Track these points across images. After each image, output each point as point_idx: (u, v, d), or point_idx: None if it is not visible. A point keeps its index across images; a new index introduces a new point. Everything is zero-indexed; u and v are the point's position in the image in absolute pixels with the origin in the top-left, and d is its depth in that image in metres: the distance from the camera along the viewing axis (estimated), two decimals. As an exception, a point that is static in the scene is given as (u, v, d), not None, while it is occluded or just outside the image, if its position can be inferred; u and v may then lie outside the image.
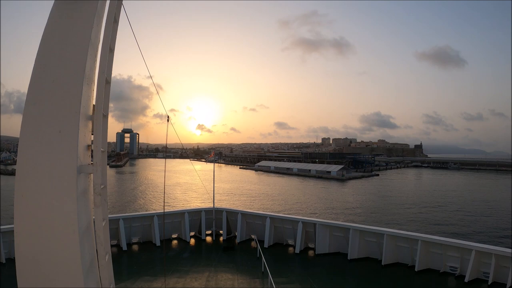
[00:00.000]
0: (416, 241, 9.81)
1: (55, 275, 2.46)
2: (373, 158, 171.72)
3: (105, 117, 3.12)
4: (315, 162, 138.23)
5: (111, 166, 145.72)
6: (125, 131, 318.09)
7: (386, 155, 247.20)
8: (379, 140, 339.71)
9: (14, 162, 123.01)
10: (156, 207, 49.09)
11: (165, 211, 14.48)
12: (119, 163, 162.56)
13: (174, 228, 13.11)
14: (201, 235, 13.25)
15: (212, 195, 14.82)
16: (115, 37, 3.26)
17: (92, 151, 2.94)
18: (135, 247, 12.02)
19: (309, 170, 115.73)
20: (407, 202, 57.79)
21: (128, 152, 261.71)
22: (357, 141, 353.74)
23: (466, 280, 8.68)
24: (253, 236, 12.87)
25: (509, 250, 8.32)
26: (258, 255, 10.57)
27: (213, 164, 20.64)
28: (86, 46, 2.70)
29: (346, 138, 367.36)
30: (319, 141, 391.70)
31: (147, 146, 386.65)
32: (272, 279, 7.27)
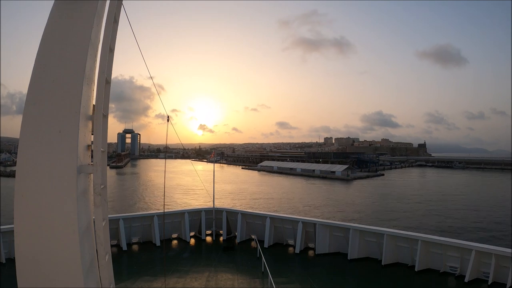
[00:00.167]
0: (416, 241, 9.81)
1: (55, 275, 2.46)
2: (377, 158, 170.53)
3: (105, 117, 3.13)
4: (318, 162, 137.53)
5: (111, 167, 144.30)
6: (127, 131, 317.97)
7: (390, 154, 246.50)
8: (383, 139, 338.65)
9: (14, 164, 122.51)
10: (157, 208, 49.04)
11: (165, 211, 14.51)
12: (119, 164, 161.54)
13: (174, 228, 13.13)
14: (201, 235, 13.26)
15: (212, 195, 14.85)
16: (115, 37, 3.27)
17: (92, 151, 2.94)
18: (135, 247, 12.04)
19: (313, 170, 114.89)
20: (435, 207, 52.33)
21: (129, 153, 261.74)
22: (360, 140, 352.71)
23: (466, 280, 8.67)
24: (253, 236, 12.88)
25: (509, 250, 8.30)
26: (258, 255, 10.57)
27: (213, 164, 20.85)
28: (86, 46, 2.70)
29: (348, 137, 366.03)
30: (321, 140, 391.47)
31: (149, 146, 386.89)
32: (272, 279, 7.27)
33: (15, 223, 2.46)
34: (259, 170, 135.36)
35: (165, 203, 8.03)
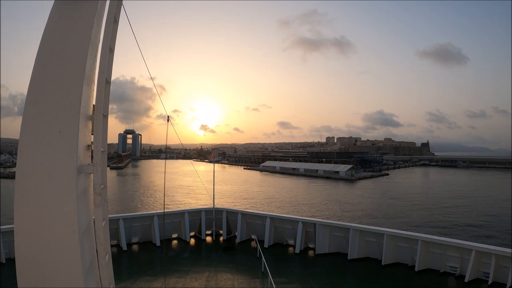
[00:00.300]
0: (416, 241, 9.80)
1: (55, 275, 2.46)
2: (381, 157, 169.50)
3: (105, 117, 3.13)
4: (321, 162, 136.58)
5: (111, 168, 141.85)
6: (128, 132, 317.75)
7: (393, 153, 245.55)
8: (385, 139, 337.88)
9: (14, 165, 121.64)
10: (157, 208, 48.92)
11: (165, 211, 14.53)
12: (120, 165, 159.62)
13: (174, 228, 13.14)
14: (201, 235, 13.27)
15: (212, 195, 14.86)
16: (115, 37, 3.27)
17: (92, 151, 2.95)
18: (135, 247, 12.06)
19: (316, 170, 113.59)
20: (455, 211, 47.43)
21: (130, 153, 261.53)
22: (362, 140, 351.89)
23: (466, 280, 8.65)
24: (253, 236, 12.88)
25: (509, 250, 8.28)
26: (258, 255, 10.57)
27: (213, 164, 21.17)
28: (86, 46, 2.71)
29: (350, 137, 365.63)
30: (323, 140, 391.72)
31: (150, 147, 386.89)
32: (272, 279, 7.27)
33: (15, 223, 2.46)
34: (261, 171, 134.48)
35: (165, 203, 8.01)
